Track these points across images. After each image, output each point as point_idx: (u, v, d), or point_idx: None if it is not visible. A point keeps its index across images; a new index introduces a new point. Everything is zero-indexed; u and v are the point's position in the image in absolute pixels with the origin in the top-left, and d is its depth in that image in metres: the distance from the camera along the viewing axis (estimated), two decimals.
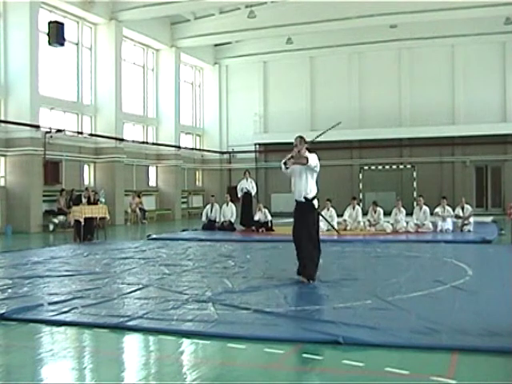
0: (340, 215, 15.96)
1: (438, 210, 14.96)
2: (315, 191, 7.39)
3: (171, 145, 24.79)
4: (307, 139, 7.38)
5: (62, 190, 18.46)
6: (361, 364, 3.97)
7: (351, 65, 27.00)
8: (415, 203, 16.35)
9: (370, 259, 9.90)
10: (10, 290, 6.90)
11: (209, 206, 17.31)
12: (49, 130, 18.23)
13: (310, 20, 22.65)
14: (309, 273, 7.19)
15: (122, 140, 21.40)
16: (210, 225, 16.75)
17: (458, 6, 20.99)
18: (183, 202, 26.31)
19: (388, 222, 15.17)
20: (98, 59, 21.23)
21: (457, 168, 25.43)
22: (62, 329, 5.13)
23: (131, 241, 14.32)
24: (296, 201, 7.44)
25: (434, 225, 14.80)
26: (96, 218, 14.13)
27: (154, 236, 14.59)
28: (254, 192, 17.28)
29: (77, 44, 20.68)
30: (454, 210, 15.09)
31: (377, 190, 24.83)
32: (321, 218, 8.09)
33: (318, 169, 7.31)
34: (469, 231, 14.62)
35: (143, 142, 24.12)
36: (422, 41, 25.51)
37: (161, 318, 5.31)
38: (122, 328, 5.04)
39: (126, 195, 21.55)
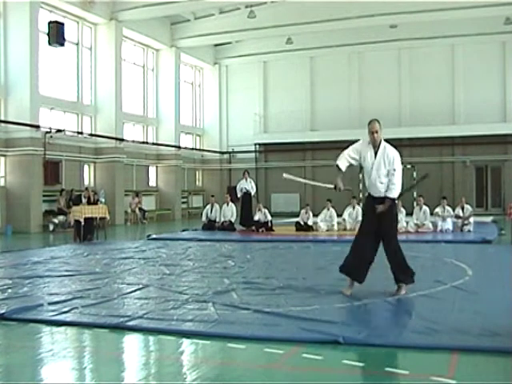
0: (340, 215, 15.96)
1: (437, 210, 14.95)
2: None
3: (171, 145, 24.78)
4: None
5: (62, 190, 18.46)
6: (361, 364, 3.97)
7: (351, 65, 26.99)
8: (415, 203, 16.34)
9: None
10: (10, 290, 6.89)
11: (209, 206, 17.31)
12: (49, 130, 18.23)
13: (310, 20, 22.64)
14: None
15: (122, 140, 21.40)
16: (210, 225, 16.74)
17: (458, 5, 20.98)
18: (183, 202, 26.30)
19: None
20: (97, 59, 21.22)
21: (457, 168, 25.41)
22: (61, 329, 5.13)
23: (131, 241, 14.30)
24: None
25: (434, 225, 14.80)
26: (96, 217, 14.13)
27: (154, 236, 14.59)
28: (253, 192, 17.33)
29: (77, 44, 20.67)
30: (454, 210, 15.08)
31: None
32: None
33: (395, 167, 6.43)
34: (469, 231, 14.60)
35: (143, 142, 24.12)
36: (422, 41, 25.50)
37: (161, 317, 5.30)
38: (122, 328, 5.04)
39: (126, 195, 21.56)
